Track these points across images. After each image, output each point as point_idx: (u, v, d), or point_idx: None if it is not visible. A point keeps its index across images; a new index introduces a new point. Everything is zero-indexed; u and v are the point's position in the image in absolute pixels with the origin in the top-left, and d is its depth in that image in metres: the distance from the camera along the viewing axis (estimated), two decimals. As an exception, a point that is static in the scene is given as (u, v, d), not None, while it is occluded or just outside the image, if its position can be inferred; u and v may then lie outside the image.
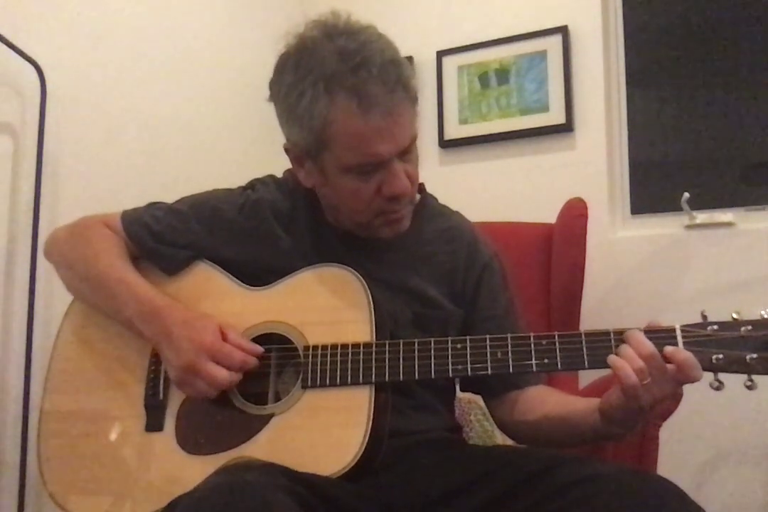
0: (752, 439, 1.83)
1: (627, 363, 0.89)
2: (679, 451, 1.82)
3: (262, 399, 1.04)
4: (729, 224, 1.95)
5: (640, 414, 0.93)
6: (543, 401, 1.11)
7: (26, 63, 1.65)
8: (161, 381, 1.09)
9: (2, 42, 1.59)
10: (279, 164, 1.28)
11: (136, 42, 1.97)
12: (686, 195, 1.94)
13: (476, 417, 1.52)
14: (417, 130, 1.06)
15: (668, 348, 0.89)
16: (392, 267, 1.14)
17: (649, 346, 0.89)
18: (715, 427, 1.84)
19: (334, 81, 0.97)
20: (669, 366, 0.88)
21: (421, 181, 1.22)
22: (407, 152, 1.04)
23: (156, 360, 1.10)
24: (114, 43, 1.91)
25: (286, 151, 1.10)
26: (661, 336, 0.91)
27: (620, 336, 0.92)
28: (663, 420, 1.20)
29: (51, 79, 1.70)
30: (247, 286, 1.12)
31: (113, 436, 1.08)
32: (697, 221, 1.97)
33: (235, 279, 1.13)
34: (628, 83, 2.19)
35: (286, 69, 1.02)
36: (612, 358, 0.90)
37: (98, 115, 1.85)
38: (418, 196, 1.20)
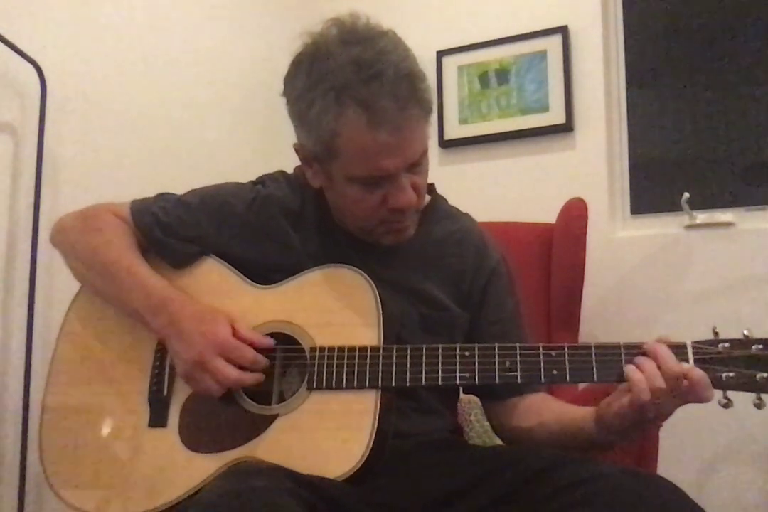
0: (752, 439, 1.83)
1: (646, 379, 0.87)
2: (679, 451, 1.82)
3: (266, 398, 1.04)
4: (729, 224, 1.95)
5: (641, 426, 0.93)
6: (541, 408, 1.11)
7: (26, 63, 1.65)
8: (166, 377, 1.08)
9: (2, 42, 1.59)
10: (280, 162, 1.28)
11: (136, 41, 1.97)
12: (686, 195, 1.94)
13: (476, 417, 1.53)
14: (428, 141, 1.04)
15: (684, 365, 0.88)
16: (399, 268, 1.14)
17: (676, 367, 0.87)
18: (715, 427, 1.84)
19: (346, 92, 0.95)
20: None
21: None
22: (417, 164, 1.03)
23: (161, 355, 1.09)
24: (114, 42, 1.91)
25: (296, 150, 1.10)
26: (671, 352, 0.90)
27: (631, 351, 0.92)
28: (663, 420, 1.19)
29: (51, 79, 1.70)
30: (255, 284, 1.11)
31: (116, 431, 1.08)
32: (697, 221, 1.97)
33: (243, 276, 1.12)
34: (628, 83, 2.19)
35: (300, 71, 1.01)
36: (630, 370, 0.89)
37: (98, 115, 1.85)
38: (428, 198, 1.19)
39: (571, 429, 1.03)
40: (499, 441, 1.21)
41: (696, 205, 1.97)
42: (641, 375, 0.88)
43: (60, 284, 1.21)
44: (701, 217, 1.97)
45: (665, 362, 0.88)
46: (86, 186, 1.79)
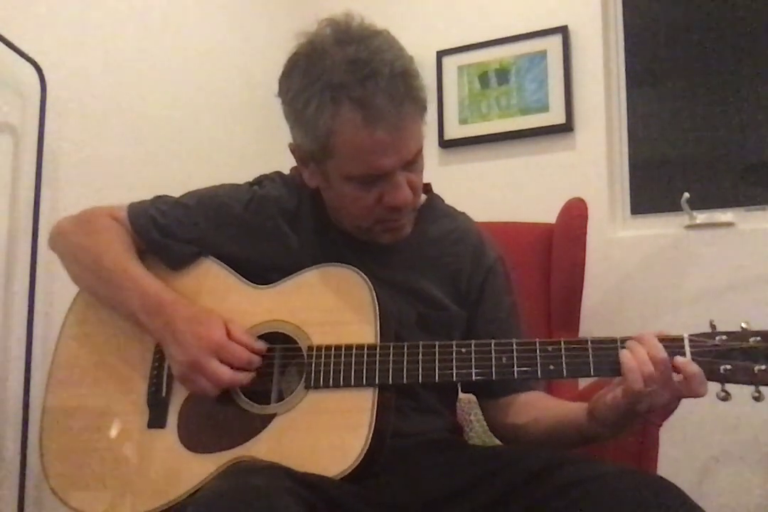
0: (752, 440, 1.83)
1: (638, 366, 0.88)
2: (679, 451, 1.82)
3: (265, 398, 1.04)
4: (729, 224, 1.95)
5: (633, 419, 0.93)
6: (535, 406, 1.11)
7: (26, 63, 1.65)
8: (164, 378, 1.08)
9: (2, 42, 1.59)
10: (278, 163, 1.28)
11: (136, 41, 1.97)
12: (686, 195, 1.94)
13: (476, 417, 1.52)
14: (423, 139, 1.05)
15: (679, 359, 0.88)
16: (397, 268, 1.14)
17: (662, 351, 0.88)
18: (715, 427, 1.84)
19: (341, 91, 0.96)
20: (675, 376, 0.88)
21: (424, 181, 1.22)
22: (412, 162, 1.03)
23: (160, 356, 1.09)
24: (114, 42, 1.91)
25: (292, 151, 1.10)
26: (669, 344, 0.90)
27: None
28: (663, 421, 1.19)
29: (51, 79, 1.70)
30: (252, 284, 1.11)
31: (115, 432, 1.08)
32: (697, 221, 1.97)
33: (240, 276, 1.12)
34: (628, 83, 2.19)
35: (295, 72, 1.01)
36: (625, 356, 0.90)
37: (98, 115, 1.85)
38: (424, 197, 1.19)
39: (563, 423, 1.04)
40: (499, 442, 1.21)
41: (696, 205, 1.97)
42: (635, 363, 0.89)
43: (60, 284, 1.21)
44: (701, 217, 1.97)
45: (651, 347, 0.89)
46: (86, 186, 1.79)
